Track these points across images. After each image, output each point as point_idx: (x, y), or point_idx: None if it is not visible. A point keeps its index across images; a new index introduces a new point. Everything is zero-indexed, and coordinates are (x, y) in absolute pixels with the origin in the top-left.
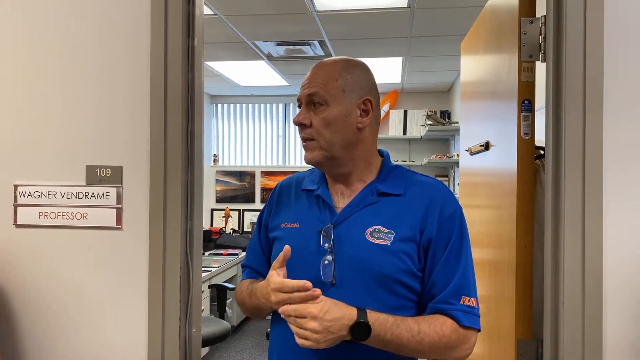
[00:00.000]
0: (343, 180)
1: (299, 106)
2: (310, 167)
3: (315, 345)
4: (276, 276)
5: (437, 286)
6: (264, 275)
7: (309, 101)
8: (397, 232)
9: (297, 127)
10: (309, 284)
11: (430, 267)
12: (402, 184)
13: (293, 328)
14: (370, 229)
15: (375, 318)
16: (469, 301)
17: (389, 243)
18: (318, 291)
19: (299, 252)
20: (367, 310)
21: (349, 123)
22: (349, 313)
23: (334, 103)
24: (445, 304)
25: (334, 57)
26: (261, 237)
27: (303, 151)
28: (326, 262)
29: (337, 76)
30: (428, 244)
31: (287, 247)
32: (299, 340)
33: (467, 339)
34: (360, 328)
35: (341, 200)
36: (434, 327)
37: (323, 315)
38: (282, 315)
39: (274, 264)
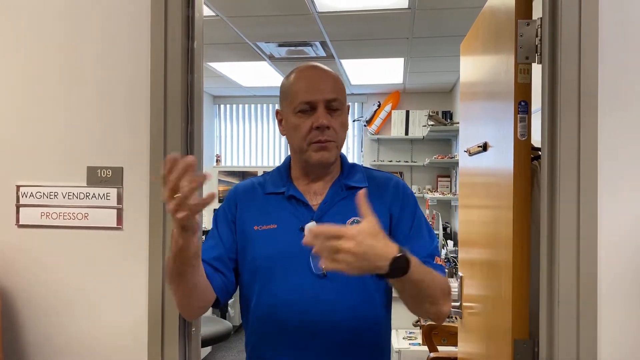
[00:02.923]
0: (321, 179)
1: (308, 109)
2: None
3: (346, 269)
4: None
5: (415, 252)
6: (221, 272)
7: (328, 106)
8: None
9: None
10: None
11: (403, 239)
12: (363, 177)
13: (323, 252)
14: (349, 220)
15: (410, 255)
16: (440, 261)
17: None
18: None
19: (284, 251)
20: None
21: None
22: (391, 246)
23: (343, 108)
24: (426, 262)
25: (320, 65)
26: (224, 233)
27: None
28: (316, 255)
29: (342, 85)
30: (397, 222)
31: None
32: (328, 263)
33: (450, 290)
34: (402, 262)
35: (313, 198)
36: (432, 271)
37: (362, 239)
38: (307, 239)
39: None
